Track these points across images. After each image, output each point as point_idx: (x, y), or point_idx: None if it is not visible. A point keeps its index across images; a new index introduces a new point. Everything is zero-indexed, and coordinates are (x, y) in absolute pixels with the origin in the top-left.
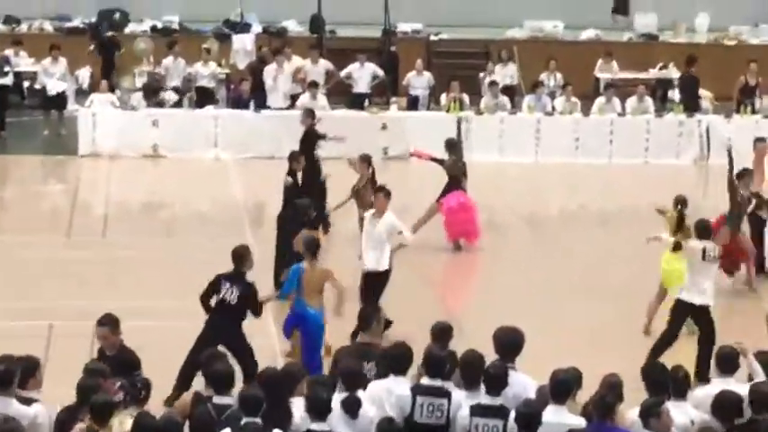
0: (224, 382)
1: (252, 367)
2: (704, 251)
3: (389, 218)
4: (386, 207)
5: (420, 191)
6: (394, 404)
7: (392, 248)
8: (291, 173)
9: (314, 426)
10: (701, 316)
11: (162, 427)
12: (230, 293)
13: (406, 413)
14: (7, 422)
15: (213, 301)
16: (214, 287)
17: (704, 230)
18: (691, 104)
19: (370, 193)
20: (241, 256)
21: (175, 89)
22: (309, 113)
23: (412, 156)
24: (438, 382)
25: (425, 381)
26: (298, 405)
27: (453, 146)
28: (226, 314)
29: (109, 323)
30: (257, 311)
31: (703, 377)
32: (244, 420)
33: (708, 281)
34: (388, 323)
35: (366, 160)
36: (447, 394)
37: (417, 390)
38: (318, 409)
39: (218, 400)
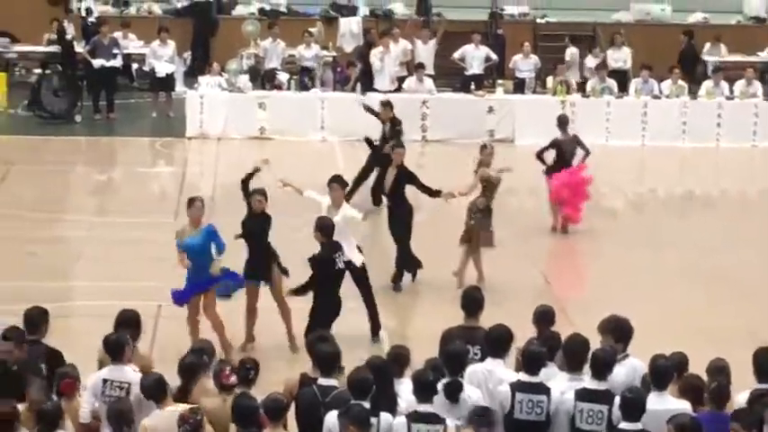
0: (330, 364)
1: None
2: None
3: (345, 210)
4: (342, 198)
5: (525, 173)
6: (493, 393)
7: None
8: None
9: (420, 407)
10: None
11: (266, 407)
12: (341, 261)
13: (505, 410)
14: (120, 401)
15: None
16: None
17: None
18: None
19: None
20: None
21: (274, 71)
22: (387, 105)
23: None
24: (536, 379)
25: (524, 377)
26: (405, 386)
27: (565, 122)
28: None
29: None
30: None
31: None
32: (351, 402)
33: None
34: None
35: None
36: (546, 390)
37: (516, 386)
38: (424, 392)
39: (323, 381)
